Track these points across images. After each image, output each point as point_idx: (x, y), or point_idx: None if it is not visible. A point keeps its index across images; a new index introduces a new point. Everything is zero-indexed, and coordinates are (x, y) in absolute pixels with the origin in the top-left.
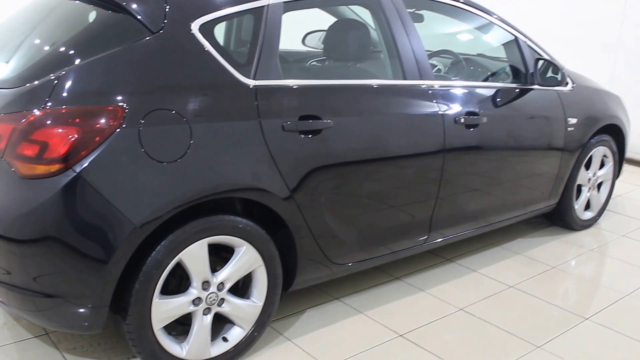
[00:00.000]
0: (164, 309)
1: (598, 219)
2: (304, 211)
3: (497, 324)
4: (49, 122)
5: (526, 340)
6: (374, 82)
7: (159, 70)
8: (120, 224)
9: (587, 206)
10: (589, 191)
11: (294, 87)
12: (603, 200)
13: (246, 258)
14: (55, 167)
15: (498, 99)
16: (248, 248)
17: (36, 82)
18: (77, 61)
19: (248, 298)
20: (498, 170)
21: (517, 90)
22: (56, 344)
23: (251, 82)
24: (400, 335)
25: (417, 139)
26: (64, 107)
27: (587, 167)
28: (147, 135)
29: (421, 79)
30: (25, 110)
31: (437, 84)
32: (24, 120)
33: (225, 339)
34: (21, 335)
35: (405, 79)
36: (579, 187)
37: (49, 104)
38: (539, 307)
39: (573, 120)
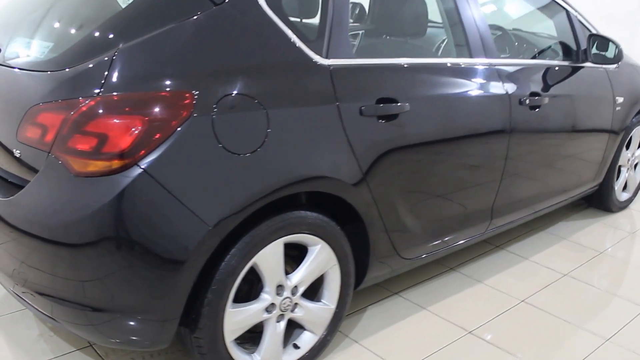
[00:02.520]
0: (237, 319)
1: (633, 199)
2: (378, 203)
3: (562, 316)
4: (107, 110)
5: (594, 333)
6: (446, 60)
7: (227, 48)
8: (193, 226)
9: (624, 187)
10: (627, 172)
11: (369, 66)
12: (638, 180)
13: (321, 257)
14: (116, 163)
15: (555, 78)
16: (323, 246)
17: (87, 64)
18: (132, 39)
19: (319, 300)
20: (554, 153)
21: (571, 68)
22: (103, 357)
23: (326, 62)
24: (470, 332)
25: (486, 122)
26: (123, 93)
27: (627, 147)
28: (221, 124)
29: (486, 57)
30: (77, 97)
31: (501, 62)
32: (76, 109)
33: (296, 346)
34: (61, 349)
35: (471, 56)
36: (619, 168)
37: (104, 89)
38: (598, 297)
39: (620, 100)
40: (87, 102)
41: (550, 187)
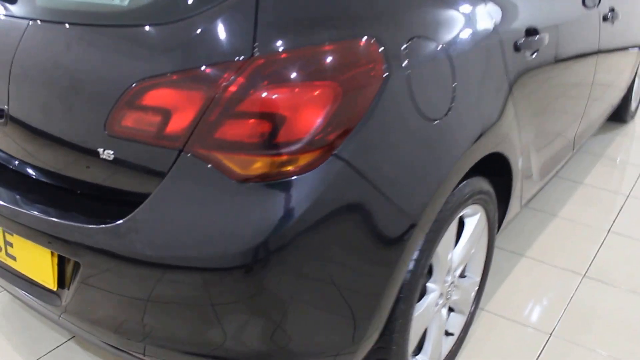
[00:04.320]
0: (418, 325)
1: (638, 107)
2: (523, 150)
3: None
4: (276, 78)
5: None
6: None
7: None
8: (401, 224)
9: None
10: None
11: None
12: None
13: (479, 228)
14: (305, 158)
15: None
16: (482, 215)
17: (222, 7)
18: None
19: (464, 276)
20: (614, 69)
21: None
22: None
23: None
24: (584, 276)
25: (589, 43)
26: (292, 49)
27: None
28: (416, 83)
29: None
30: (217, 62)
31: None
32: (228, 81)
33: (448, 333)
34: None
35: None
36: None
37: (258, 46)
38: None
39: None
40: (243, 68)
41: (606, 104)
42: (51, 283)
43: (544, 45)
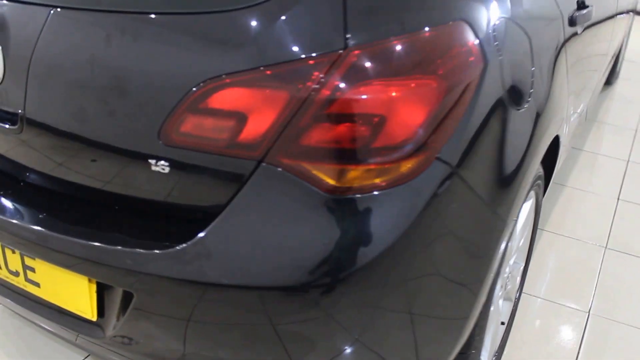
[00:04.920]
0: (491, 323)
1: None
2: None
3: None
4: (370, 76)
5: None
6: None
7: None
8: (494, 227)
9: None
10: None
11: None
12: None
13: (531, 214)
14: (409, 162)
15: None
16: (533, 200)
17: None
18: None
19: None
20: (617, 35)
21: None
22: None
23: None
24: (606, 247)
25: (611, 14)
26: (389, 38)
27: None
28: (506, 69)
29: None
30: (304, 55)
31: None
32: (319, 81)
33: (501, 323)
34: None
35: None
36: None
37: (351, 37)
38: None
39: None
40: (336, 63)
41: (607, 69)
42: (89, 313)
43: (591, 18)
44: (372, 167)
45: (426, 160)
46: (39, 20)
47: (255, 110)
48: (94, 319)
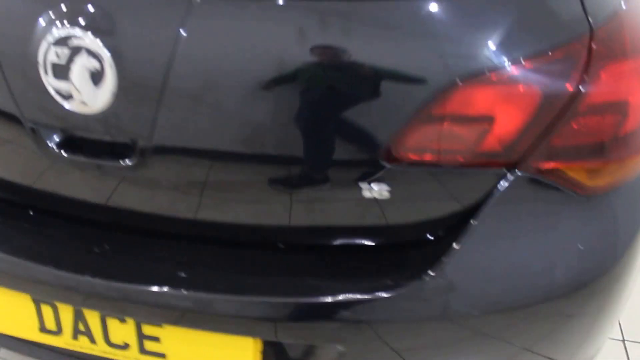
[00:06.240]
0: None
1: None
2: None
3: None
4: (618, 59)
5: None
6: None
7: None
8: None
9: None
10: None
11: None
12: None
13: None
14: None
15: None
16: None
17: None
18: None
19: None
20: None
21: None
22: None
23: None
24: None
25: None
26: (623, 15)
27: None
28: None
29: None
30: (550, 46)
31: None
32: (569, 69)
33: None
34: None
35: None
36: None
37: (593, 20)
38: None
39: None
40: (586, 49)
41: None
42: None
43: None
44: (626, 160)
45: None
46: (176, 14)
47: (505, 111)
48: None
